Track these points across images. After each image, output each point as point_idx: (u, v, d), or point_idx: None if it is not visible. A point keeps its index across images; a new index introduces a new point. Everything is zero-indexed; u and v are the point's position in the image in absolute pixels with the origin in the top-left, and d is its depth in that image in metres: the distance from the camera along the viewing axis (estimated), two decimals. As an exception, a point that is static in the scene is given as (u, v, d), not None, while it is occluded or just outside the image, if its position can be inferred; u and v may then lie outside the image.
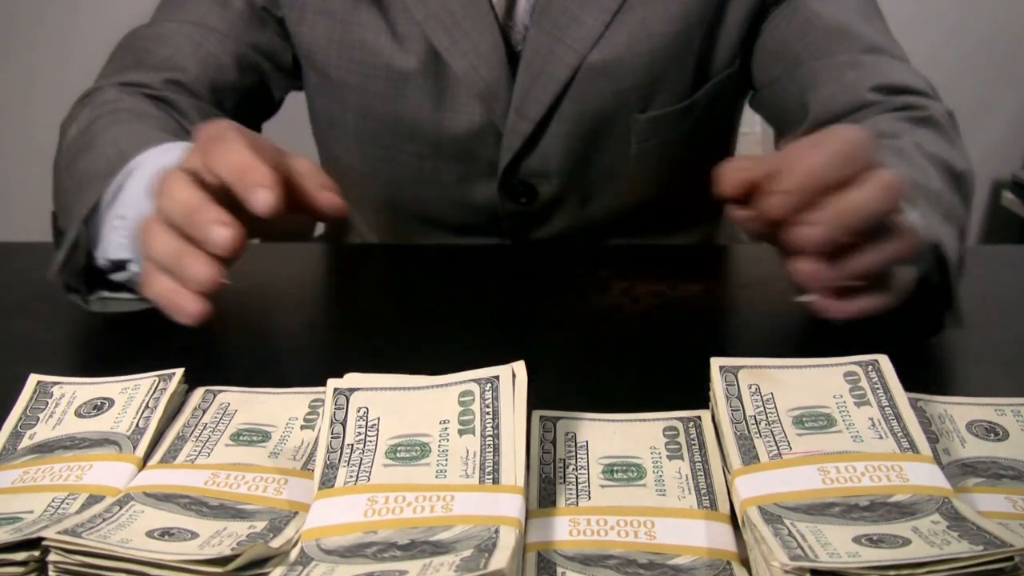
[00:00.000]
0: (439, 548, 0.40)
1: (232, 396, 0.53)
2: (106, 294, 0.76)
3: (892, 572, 0.35)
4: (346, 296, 0.83)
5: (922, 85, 0.90)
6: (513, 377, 0.48)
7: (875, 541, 0.38)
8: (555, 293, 0.82)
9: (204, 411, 0.51)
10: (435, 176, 0.97)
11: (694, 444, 0.50)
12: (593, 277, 0.84)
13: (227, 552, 0.39)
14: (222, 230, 0.52)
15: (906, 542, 0.37)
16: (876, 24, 0.95)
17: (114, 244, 0.72)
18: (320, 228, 1.29)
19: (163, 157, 0.71)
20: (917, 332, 0.69)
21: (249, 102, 0.98)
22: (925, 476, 0.44)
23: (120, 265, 0.73)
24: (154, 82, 0.90)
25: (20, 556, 0.39)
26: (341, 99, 0.96)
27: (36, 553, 0.39)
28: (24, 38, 2.08)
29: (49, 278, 0.74)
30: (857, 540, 0.38)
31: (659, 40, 0.90)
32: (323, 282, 0.92)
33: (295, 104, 1.05)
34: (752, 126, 1.47)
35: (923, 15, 2.13)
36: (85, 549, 0.38)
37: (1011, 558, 0.35)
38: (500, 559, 0.37)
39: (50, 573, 0.38)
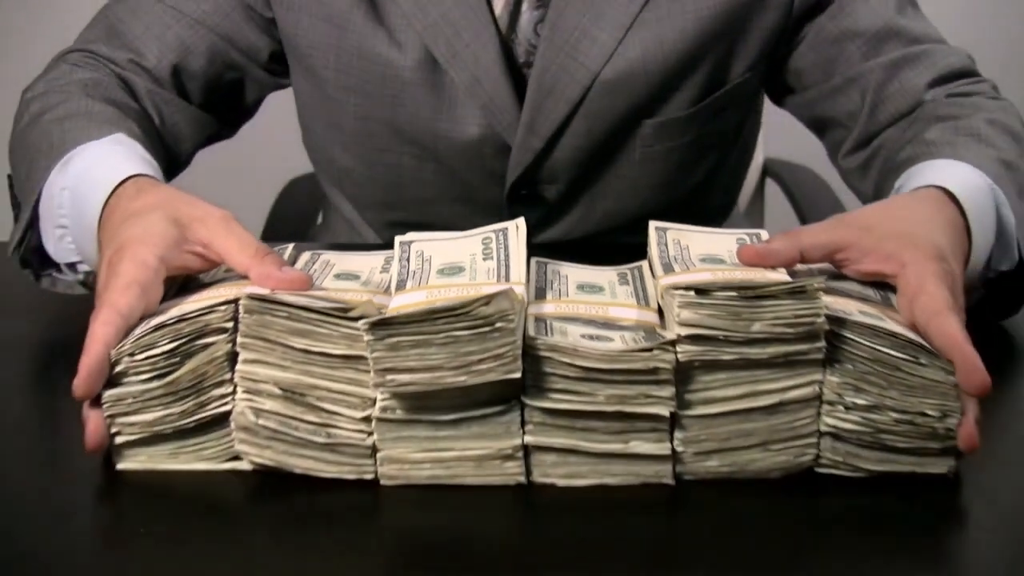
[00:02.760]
0: None
1: (330, 255, 0.78)
2: (56, 274, 0.81)
3: (734, 290, 0.60)
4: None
5: (968, 63, 0.91)
6: (517, 229, 0.74)
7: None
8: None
9: (313, 263, 0.76)
10: (437, 179, 0.99)
11: (637, 279, 0.76)
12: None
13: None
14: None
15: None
16: (911, 13, 0.94)
17: (62, 250, 0.77)
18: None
19: (99, 150, 0.76)
20: (996, 314, 0.80)
21: (218, 95, 0.97)
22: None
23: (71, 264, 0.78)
24: (119, 60, 0.92)
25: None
26: (339, 102, 0.96)
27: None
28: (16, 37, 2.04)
29: (8, 254, 0.77)
30: None
31: (674, 56, 0.90)
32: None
33: (288, 104, 1.07)
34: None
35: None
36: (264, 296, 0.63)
37: (812, 285, 0.61)
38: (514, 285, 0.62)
39: (240, 311, 0.63)
